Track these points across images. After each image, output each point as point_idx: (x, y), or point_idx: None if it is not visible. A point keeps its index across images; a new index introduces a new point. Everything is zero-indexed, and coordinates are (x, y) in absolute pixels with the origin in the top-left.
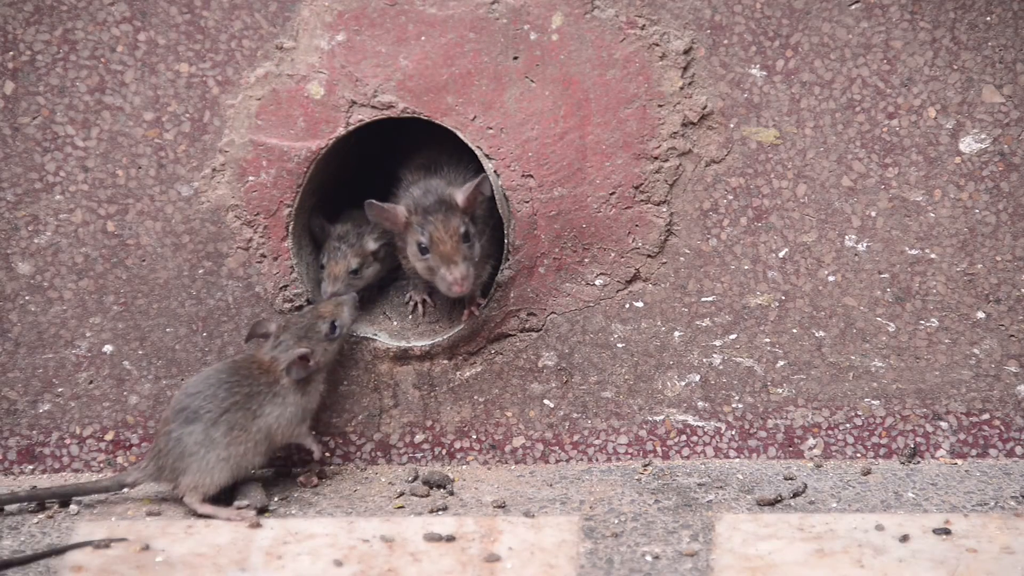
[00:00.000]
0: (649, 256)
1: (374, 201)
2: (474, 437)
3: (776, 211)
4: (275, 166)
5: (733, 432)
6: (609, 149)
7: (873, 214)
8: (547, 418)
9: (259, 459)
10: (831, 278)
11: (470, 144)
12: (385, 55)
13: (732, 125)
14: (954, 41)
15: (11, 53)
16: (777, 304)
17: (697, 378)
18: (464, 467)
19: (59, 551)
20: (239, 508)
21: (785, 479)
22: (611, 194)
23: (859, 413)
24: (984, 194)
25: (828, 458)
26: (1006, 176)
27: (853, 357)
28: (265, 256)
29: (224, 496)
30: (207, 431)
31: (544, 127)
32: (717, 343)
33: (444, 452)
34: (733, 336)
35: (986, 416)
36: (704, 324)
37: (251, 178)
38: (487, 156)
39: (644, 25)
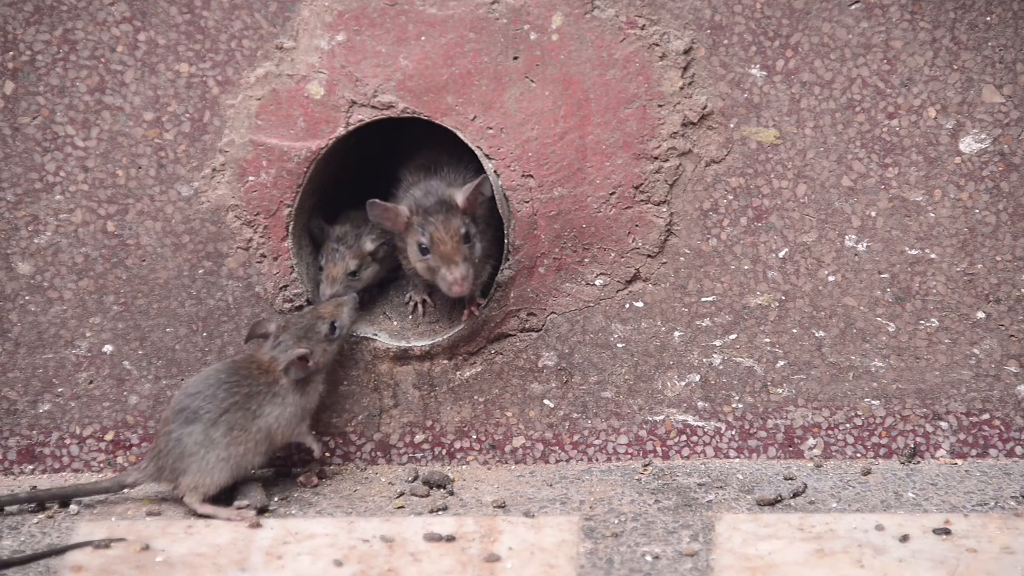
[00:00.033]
0: (649, 256)
1: (377, 200)
2: (474, 437)
3: (776, 211)
4: (275, 166)
5: (733, 432)
6: (609, 149)
7: (873, 214)
8: (547, 418)
9: (259, 459)
10: (831, 278)
11: (470, 144)
12: (385, 55)
13: (732, 125)
14: (954, 41)
15: (11, 53)
16: (777, 304)
17: (697, 378)
18: (464, 467)
19: (59, 551)
20: (239, 508)
21: (785, 479)
22: (611, 194)
23: (859, 413)
24: (984, 194)
25: (828, 458)
26: (1006, 176)
27: (853, 357)
28: (265, 256)
29: (224, 496)
30: (207, 431)
31: (544, 127)
32: (717, 343)
33: (444, 452)
34: (733, 336)
35: (986, 416)
36: (704, 324)
37: (251, 178)
38: (487, 156)
39: (644, 25)
